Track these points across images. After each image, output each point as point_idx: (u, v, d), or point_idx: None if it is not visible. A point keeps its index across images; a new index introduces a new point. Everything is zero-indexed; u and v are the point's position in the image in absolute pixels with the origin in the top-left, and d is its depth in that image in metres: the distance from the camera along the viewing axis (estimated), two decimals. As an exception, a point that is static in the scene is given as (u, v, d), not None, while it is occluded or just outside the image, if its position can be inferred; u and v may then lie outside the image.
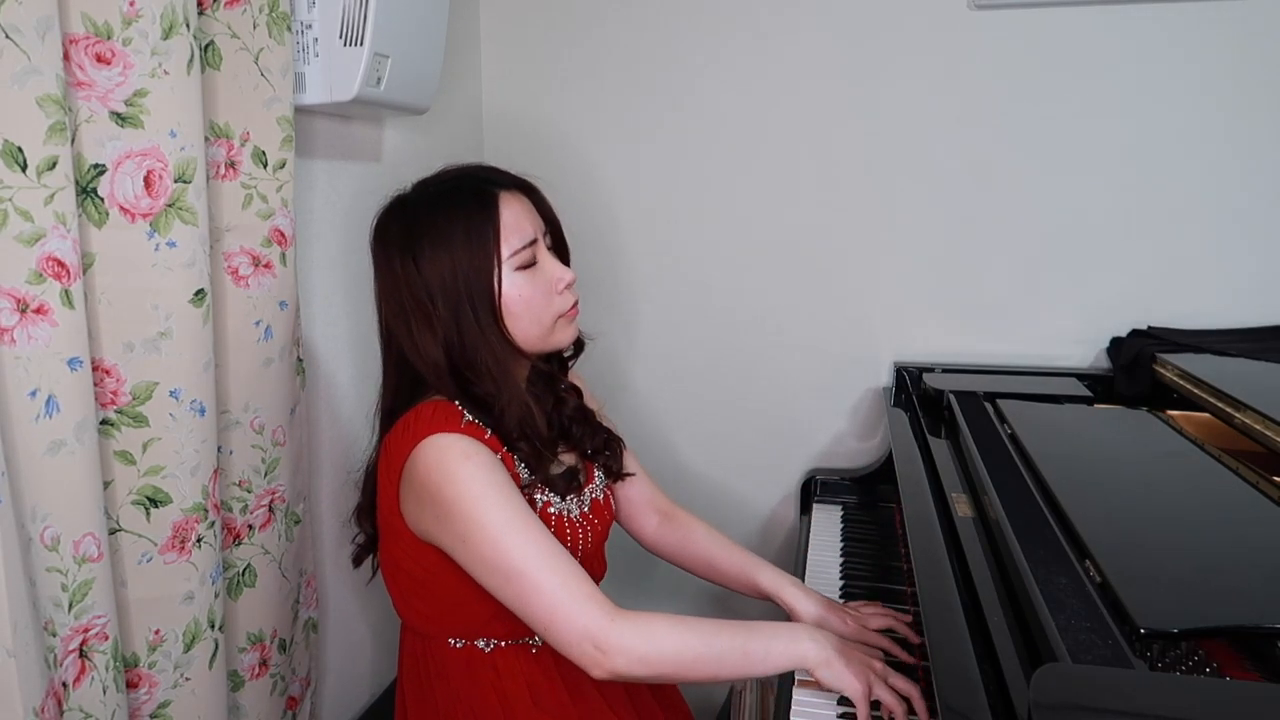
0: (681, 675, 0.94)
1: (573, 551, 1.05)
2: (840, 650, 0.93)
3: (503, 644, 1.07)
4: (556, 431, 1.13)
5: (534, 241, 1.03)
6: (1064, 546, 0.87)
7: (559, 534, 1.05)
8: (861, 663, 0.92)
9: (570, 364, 1.21)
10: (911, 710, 0.91)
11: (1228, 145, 1.50)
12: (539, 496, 1.05)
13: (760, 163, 1.70)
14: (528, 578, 0.92)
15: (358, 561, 1.20)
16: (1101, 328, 1.58)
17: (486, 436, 1.01)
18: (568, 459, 1.15)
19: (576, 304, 1.08)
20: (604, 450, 1.19)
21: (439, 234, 1.00)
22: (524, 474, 1.05)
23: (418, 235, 1.01)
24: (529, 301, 1.02)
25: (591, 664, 0.91)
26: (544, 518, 1.04)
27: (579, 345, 1.15)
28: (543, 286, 1.04)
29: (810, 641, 0.93)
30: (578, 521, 1.10)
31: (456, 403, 1.02)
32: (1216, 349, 1.43)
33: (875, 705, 0.91)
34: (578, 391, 1.19)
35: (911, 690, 0.92)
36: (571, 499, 1.09)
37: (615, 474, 1.21)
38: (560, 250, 1.11)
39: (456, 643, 1.07)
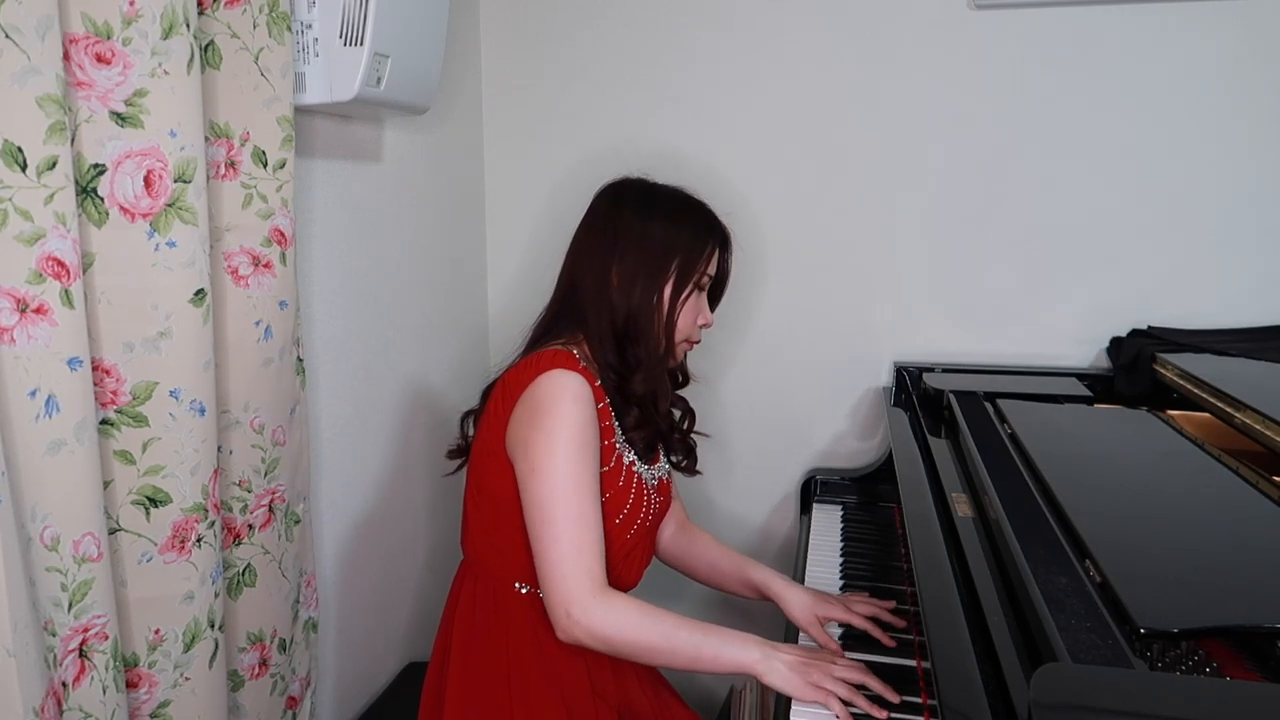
0: (635, 658, 1.06)
1: (643, 519, 1.17)
2: (788, 662, 0.98)
3: None
4: (664, 428, 1.23)
5: (709, 281, 1.21)
6: (1064, 546, 0.87)
7: (638, 494, 1.16)
8: (807, 665, 0.97)
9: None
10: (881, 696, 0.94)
11: (1228, 145, 1.50)
12: (624, 452, 1.15)
13: (759, 163, 1.70)
14: (554, 529, 1.03)
15: (452, 456, 1.27)
16: (1101, 328, 1.58)
17: (596, 384, 1.12)
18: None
19: (696, 345, 1.24)
20: (685, 454, 1.29)
21: (676, 215, 1.17)
22: (615, 427, 1.15)
23: (658, 203, 1.17)
24: (683, 315, 1.17)
25: (558, 623, 1.03)
26: (628, 474, 1.15)
27: (687, 377, 1.30)
28: (694, 313, 1.19)
29: (758, 651, 1.00)
30: (652, 491, 1.19)
31: (574, 351, 1.13)
32: (1216, 349, 1.43)
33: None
34: (692, 413, 1.31)
35: (861, 677, 0.95)
36: (647, 467, 1.20)
37: (688, 471, 1.30)
38: (712, 299, 1.27)
39: (522, 588, 1.13)
